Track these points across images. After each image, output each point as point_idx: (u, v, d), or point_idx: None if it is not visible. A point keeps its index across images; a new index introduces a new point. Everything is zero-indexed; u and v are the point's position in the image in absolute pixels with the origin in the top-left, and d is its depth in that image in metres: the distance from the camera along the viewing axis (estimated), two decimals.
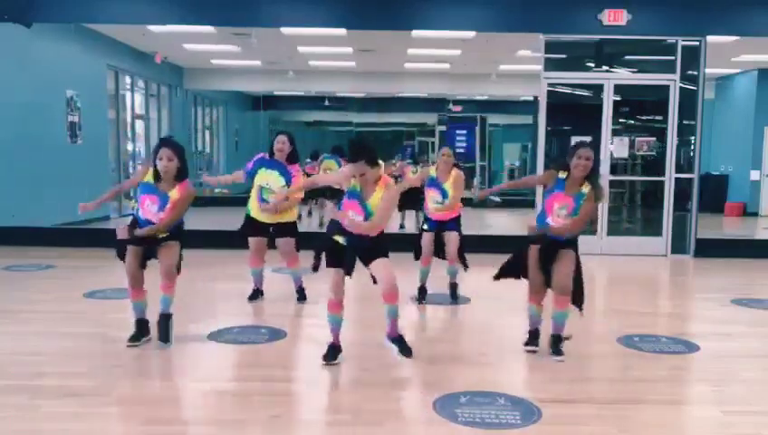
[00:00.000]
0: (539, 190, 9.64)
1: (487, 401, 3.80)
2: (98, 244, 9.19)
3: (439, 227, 6.05)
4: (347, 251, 4.31)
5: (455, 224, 6.05)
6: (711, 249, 9.41)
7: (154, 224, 4.58)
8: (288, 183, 5.72)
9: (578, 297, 4.64)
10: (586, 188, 4.46)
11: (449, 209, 5.99)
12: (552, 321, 4.65)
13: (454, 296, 6.20)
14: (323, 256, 4.38)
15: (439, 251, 6.12)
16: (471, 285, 6.41)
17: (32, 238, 9.21)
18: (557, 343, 4.65)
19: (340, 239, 4.32)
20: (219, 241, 7.97)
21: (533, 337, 4.83)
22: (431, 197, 6.04)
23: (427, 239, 6.09)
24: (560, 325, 4.64)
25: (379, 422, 3.54)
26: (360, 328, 5.21)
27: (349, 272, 4.34)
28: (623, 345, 4.97)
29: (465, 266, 6.14)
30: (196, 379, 4.24)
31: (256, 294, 6.13)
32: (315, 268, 4.43)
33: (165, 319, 4.73)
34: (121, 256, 4.69)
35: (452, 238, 6.02)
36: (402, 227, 11.38)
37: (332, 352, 4.43)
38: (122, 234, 4.64)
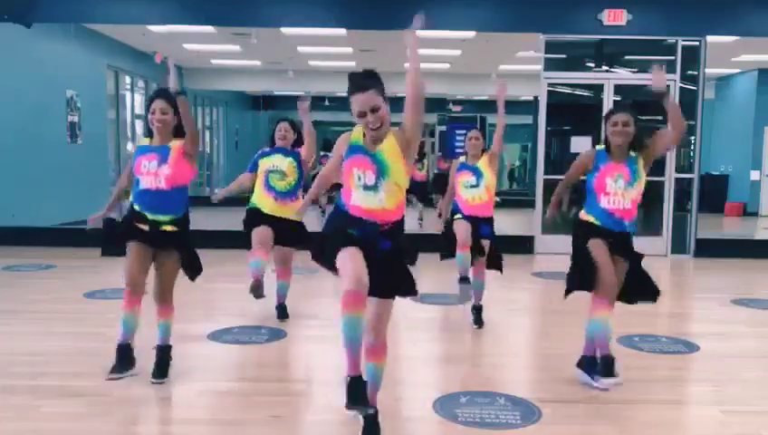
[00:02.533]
0: (539, 191, 9.73)
1: (487, 401, 3.79)
2: (98, 244, 9.19)
3: (474, 223, 5.17)
4: (364, 241, 3.03)
5: (490, 228, 5.24)
6: (711, 249, 9.41)
7: (158, 206, 3.86)
8: (296, 160, 5.23)
9: (650, 288, 4.07)
10: (635, 153, 3.91)
11: (488, 195, 5.17)
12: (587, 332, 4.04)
13: (478, 321, 5.33)
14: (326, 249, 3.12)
15: (474, 248, 5.20)
16: None
17: (32, 238, 9.21)
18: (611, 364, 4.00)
19: (352, 231, 3.06)
20: (219, 241, 7.98)
21: (610, 365, 3.99)
22: (463, 181, 5.18)
23: (462, 226, 5.13)
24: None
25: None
26: None
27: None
28: (623, 345, 4.96)
29: (500, 270, 5.45)
30: (197, 379, 4.24)
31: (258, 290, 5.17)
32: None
33: (164, 351, 4.04)
34: (108, 251, 4.08)
35: (487, 247, 5.25)
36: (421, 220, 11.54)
37: (356, 392, 2.91)
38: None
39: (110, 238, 4.04)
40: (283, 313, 5.53)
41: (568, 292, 4.12)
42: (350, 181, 3.05)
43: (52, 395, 3.81)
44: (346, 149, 3.09)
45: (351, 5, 9.30)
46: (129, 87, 14.01)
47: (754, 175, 14.79)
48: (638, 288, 4.03)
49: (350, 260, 2.95)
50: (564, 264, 4.18)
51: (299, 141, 5.36)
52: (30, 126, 10.01)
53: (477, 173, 5.16)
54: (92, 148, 11.81)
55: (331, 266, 3.07)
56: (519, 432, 3.44)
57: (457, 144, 19.62)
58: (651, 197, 10.02)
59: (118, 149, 13.41)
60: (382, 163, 3.00)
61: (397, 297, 3.13)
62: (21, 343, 4.84)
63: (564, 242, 4.43)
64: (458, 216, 5.24)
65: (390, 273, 3.05)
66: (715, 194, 14.85)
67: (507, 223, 12.95)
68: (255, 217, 5.23)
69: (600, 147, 4.01)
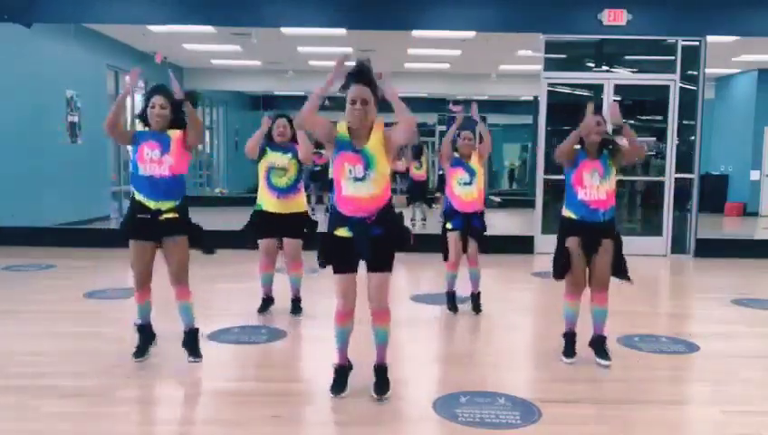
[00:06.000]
0: (539, 191, 9.74)
1: (487, 401, 3.79)
2: (98, 244, 9.21)
3: (465, 225, 5.58)
4: (356, 243, 3.61)
5: (481, 222, 5.63)
6: (711, 249, 9.41)
7: (160, 192, 4.08)
8: (295, 157, 5.43)
9: (622, 269, 4.49)
10: (606, 152, 4.37)
11: (479, 192, 5.56)
12: (594, 320, 4.50)
13: (476, 307, 5.77)
14: (323, 257, 3.76)
15: (465, 241, 5.65)
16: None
17: (32, 238, 9.21)
18: (602, 344, 4.49)
19: (343, 233, 3.65)
20: (219, 241, 7.97)
21: (571, 343, 4.56)
22: (457, 178, 5.54)
23: (453, 240, 5.60)
24: (602, 324, 4.49)
25: (379, 422, 3.54)
26: (360, 327, 5.20)
27: (360, 261, 3.68)
28: (623, 345, 4.96)
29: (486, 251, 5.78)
30: (197, 379, 4.24)
31: (267, 305, 5.74)
32: (322, 265, 3.81)
33: (192, 335, 4.35)
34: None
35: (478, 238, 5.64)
36: (414, 220, 11.63)
37: (341, 378, 3.88)
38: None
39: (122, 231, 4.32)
40: (296, 308, 5.71)
41: (558, 278, 4.55)
42: (341, 174, 3.55)
43: (52, 395, 3.81)
44: (335, 143, 3.58)
45: (351, 5, 9.30)
46: None
47: (754, 175, 14.79)
48: (615, 267, 4.49)
49: (342, 284, 3.69)
50: None
51: (294, 138, 5.51)
52: (30, 126, 10.00)
53: (471, 172, 5.54)
54: (92, 148, 11.81)
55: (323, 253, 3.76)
56: (519, 432, 3.44)
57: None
58: (651, 197, 10.05)
59: (118, 149, 13.39)
60: (369, 157, 3.51)
61: (387, 320, 3.84)
62: (21, 343, 4.84)
63: None
64: (449, 225, 5.63)
65: (383, 251, 3.63)
66: (715, 194, 14.84)
67: (507, 223, 12.97)
68: (260, 219, 5.51)
69: (577, 147, 4.41)
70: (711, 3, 9.22)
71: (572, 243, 4.40)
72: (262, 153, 5.53)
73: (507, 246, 9.09)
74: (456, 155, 5.61)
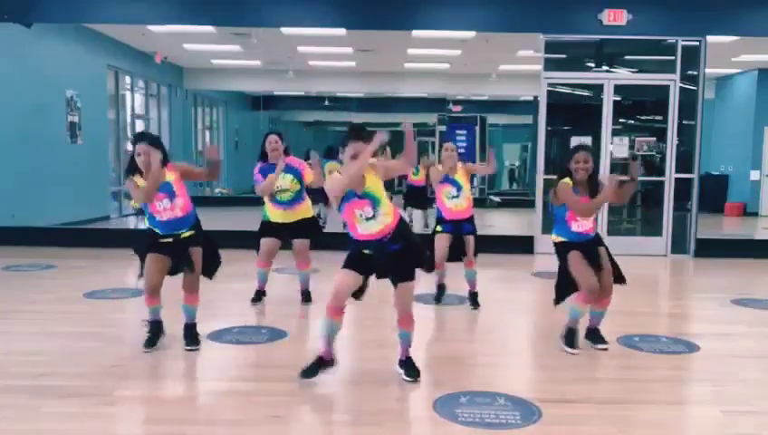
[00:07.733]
0: (539, 191, 9.74)
1: (487, 401, 3.79)
2: (98, 244, 9.21)
3: (455, 229, 5.88)
4: (373, 261, 3.97)
5: (471, 225, 5.94)
6: (711, 249, 9.41)
7: (178, 226, 4.52)
8: (297, 177, 5.71)
9: (619, 274, 4.80)
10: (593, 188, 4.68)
11: (467, 202, 5.87)
12: (591, 318, 4.86)
13: (474, 303, 6.01)
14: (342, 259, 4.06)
15: (455, 254, 5.92)
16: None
17: (32, 238, 9.21)
18: (598, 333, 4.88)
19: (365, 252, 3.98)
20: (219, 241, 7.98)
21: (575, 336, 4.83)
22: (445, 192, 5.87)
23: (442, 243, 5.85)
24: (599, 321, 4.88)
25: (379, 422, 3.54)
26: (359, 328, 5.21)
27: (364, 283, 4.02)
28: (623, 345, 4.96)
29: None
30: (196, 379, 4.25)
31: (259, 296, 6.03)
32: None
33: (190, 328, 4.74)
34: (141, 255, 4.62)
35: (471, 241, 5.91)
36: (410, 223, 11.53)
37: (316, 365, 4.08)
38: (212, 153, 4.76)
39: (142, 245, 4.67)
40: (306, 297, 6.04)
41: (557, 301, 4.87)
42: (353, 218, 3.89)
43: (52, 395, 3.81)
44: (343, 197, 3.86)
45: (351, 5, 9.30)
46: (129, 87, 14.01)
47: (754, 175, 14.79)
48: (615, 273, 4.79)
49: (339, 282, 3.95)
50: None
51: (287, 150, 5.79)
52: (30, 126, 10.01)
53: (457, 186, 5.86)
54: (92, 148, 11.82)
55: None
56: (519, 432, 3.44)
57: (457, 144, 19.64)
58: (651, 197, 10.04)
59: (118, 149, 13.41)
60: (373, 198, 3.87)
61: (412, 326, 4.06)
62: (21, 343, 4.84)
63: None
64: (439, 228, 5.91)
65: (402, 265, 3.94)
66: (715, 194, 14.84)
67: (507, 223, 12.98)
68: (266, 228, 5.87)
69: (568, 182, 4.63)
70: (711, 3, 9.22)
71: (577, 256, 4.64)
72: (263, 172, 5.73)
73: (507, 247, 9.10)
74: (440, 167, 5.89)
